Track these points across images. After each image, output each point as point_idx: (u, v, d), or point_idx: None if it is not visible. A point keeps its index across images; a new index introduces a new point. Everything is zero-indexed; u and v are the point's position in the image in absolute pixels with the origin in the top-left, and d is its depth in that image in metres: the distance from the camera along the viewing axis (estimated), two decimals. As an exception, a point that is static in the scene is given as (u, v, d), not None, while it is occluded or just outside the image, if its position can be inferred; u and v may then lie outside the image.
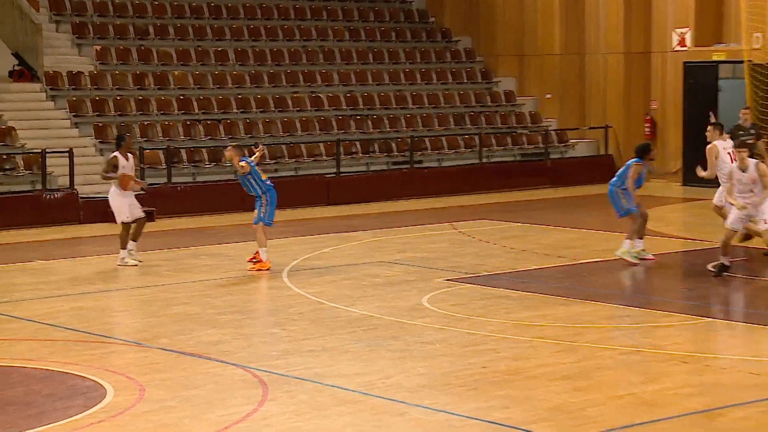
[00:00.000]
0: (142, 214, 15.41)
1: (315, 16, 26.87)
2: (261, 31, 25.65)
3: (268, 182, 15.03)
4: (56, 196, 19.54)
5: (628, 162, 15.02)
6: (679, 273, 14.90)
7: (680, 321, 11.61)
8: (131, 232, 15.22)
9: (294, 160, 22.81)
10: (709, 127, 15.53)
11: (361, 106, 24.96)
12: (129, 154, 15.35)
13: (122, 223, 15.18)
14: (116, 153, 15.26)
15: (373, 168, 23.78)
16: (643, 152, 14.85)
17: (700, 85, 24.56)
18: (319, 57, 25.70)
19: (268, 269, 14.66)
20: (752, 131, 18.43)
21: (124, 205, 15.22)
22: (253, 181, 14.83)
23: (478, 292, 13.21)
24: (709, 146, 15.22)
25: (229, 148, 15.13)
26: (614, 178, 15.08)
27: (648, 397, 8.96)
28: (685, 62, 24.78)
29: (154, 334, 11.27)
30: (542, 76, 27.32)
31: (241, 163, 14.70)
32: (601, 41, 26.26)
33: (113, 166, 15.18)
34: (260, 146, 15.94)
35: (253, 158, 15.15)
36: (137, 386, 9.25)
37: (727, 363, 9.94)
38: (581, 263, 15.14)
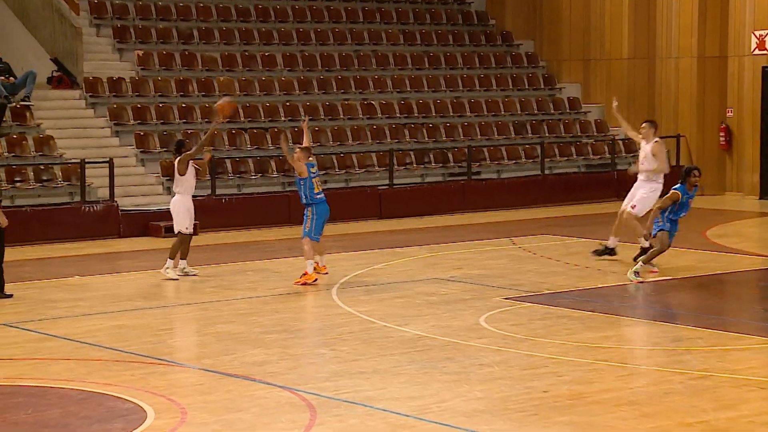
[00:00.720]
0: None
1: (368, 18, 27.04)
2: (311, 35, 25.87)
3: (320, 195, 15.17)
4: (95, 208, 19.84)
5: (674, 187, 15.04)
6: (755, 292, 14.76)
7: (756, 343, 11.51)
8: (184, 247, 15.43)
9: (344, 170, 22.94)
10: None
11: (416, 114, 25.05)
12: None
13: (180, 233, 15.41)
14: (179, 156, 15.54)
15: (428, 179, 23.84)
16: (685, 175, 14.84)
17: (780, 91, 24.33)
18: (372, 62, 25.84)
19: (314, 281, 14.82)
20: None
21: (187, 215, 15.48)
22: (304, 188, 15.05)
23: (539, 312, 13.19)
24: None
25: (298, 149, 15.32)
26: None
27: (721, 425, 8.90)
28: (764, 67, 24.56)
29: (196, 354, 11.40)
30: (609, 82, 27.22)
31: (303, 166, 15.10)
32: (673, 45, 26.12)
33: (187, 160, 15.46)
34: (304, 120, 16.19)
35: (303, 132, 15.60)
36: (179, 408, 9.37)
37: (805, 390, 9.84)
38: (648, 281, 15.06)
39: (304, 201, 15.26)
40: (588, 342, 11.75)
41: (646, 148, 16.23)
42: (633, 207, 16.15)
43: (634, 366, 10.67)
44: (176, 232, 15.55)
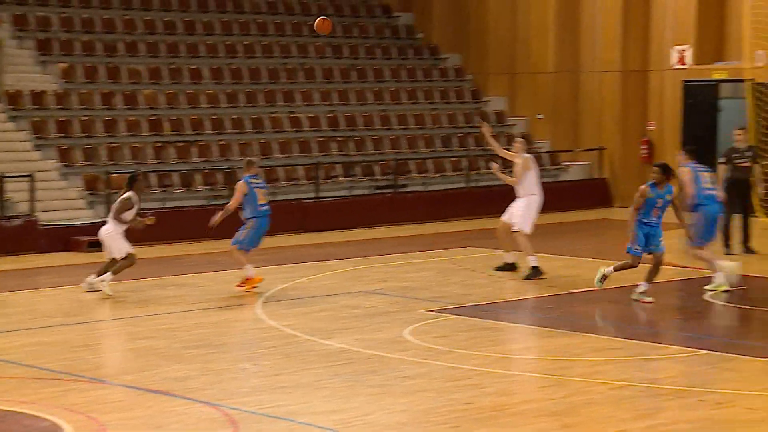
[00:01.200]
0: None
1: (295, 31, 27.00)
2: (238, 48, 25.76)
3: (263, 207, 15.37)
4: (15, 223, 19.52)
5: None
6: (674, 302, 14.95)
7: (673, 353, 11.66)
8: (119, 265, 15.18)
9: (271, 184, 22.81)
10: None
11: (343, 127, 25.05)
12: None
13: (129, 254, 15.15)
14: (130, 193, 15.18)
15: (354, 192, 23.84)
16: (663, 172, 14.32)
17: (700, 104, 24.73)
18: (299, 75, 25.80)
19: (259, 282, 15.14)
20: (748, 153, 18.55)
21: (123, 239, 15.19)
22: (249, 198, 15.28)
23: (463, 324, 13.24)
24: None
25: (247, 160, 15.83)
26: None
27: (639, 434, 9.00)
28: (684, 81, 24.97)
29: (117, 370, 11.26)
30: (534, 95, 27.48)
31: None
32: (597, 59, 26.45)
33: (127, 208, 15.15)
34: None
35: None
36: (98, 426, 9.24)
37: (722, 397, 9.98)
38: (571, 293, 15.19)
39: (247, 215, 15.18)
40: (511, 353, 11.82)
41: (519, 164, 16.50)
42: (516, 227, 16.23)
43: (556, 377, 10.74)
44: (119, 258, 15.18)
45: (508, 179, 16.71)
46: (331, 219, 22.45)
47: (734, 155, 18.51)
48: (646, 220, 14.10)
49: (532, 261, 16.16)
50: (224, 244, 17.29)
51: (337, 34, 27.46)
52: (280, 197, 22.88)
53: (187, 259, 18.81)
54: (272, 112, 24.52)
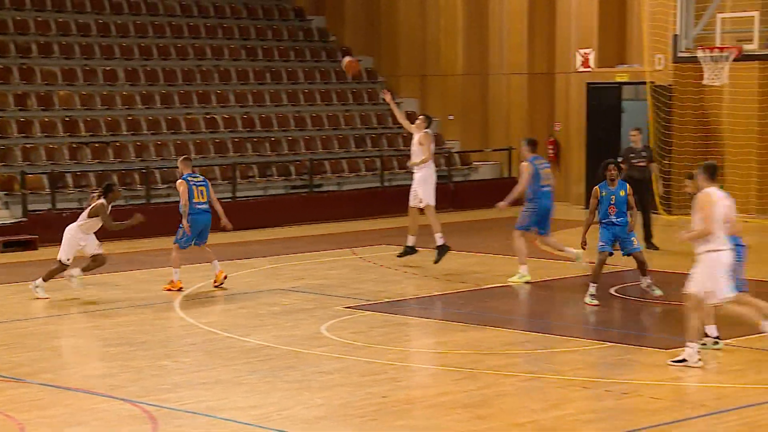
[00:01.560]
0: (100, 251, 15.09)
1: (210, 34, 26.83)
2: (152, 50, 25.52)
3: (201, 205, 15.43)
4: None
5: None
6: (580, 297, 15.18)
7: (580, 346, 11.89)
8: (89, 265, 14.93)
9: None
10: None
11: (258, 128, 24.99)
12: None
13: (60, 261, 14.79)
14: (103, 201, 14.86)
15: (270, 192, 23.79)
16: (602, 170, 14.23)
17: (604, 106, 25.16)
18: (215, 77, 25.65)
19: (179, 289, 14.89)
20: (644, 153, 18.93)
21: (75, 247, 14.87)
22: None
23: (379, 320, 13.33)
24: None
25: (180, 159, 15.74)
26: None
27: (549, 423, 9.17)
28: (588, 83, 25.38)
29: (36, 368, 11.12)
30: (445, 96, 27.69)
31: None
32: (505, 61, 26.75)
33: (96, 215, 14.83)
34: None
35: None
36: (17, 425, 9.13)
37: (627, 388, 10.21)
38: (483, 288, 15.38)
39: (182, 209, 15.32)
40: (425, 348, 11.94)
41: (415, 138, 16.80)
42: (422, 203, 16.70)
43: (469, 370, 10.89)
44: (58, 259, 14.88)
45: (397, 111, 17.77)
46: (248, 218, 22.34)
47: (631, 155, 18.89)
48: (605, 220, 14.09)
49: (438, 239, 16.46)
50: (142, 244, 17.18)
51: (251, 36, 27.36)
52: (196, 197, 22.74)
53: (107, 259, 18.55)
54: (188, 114, 24.35)
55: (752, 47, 17.99)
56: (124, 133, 23.20)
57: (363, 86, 27.69)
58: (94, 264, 15.02)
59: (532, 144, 15.80)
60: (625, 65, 25.24)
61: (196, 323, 13.21)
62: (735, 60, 18.16)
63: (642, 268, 14.23)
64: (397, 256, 16.93)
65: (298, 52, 27.65)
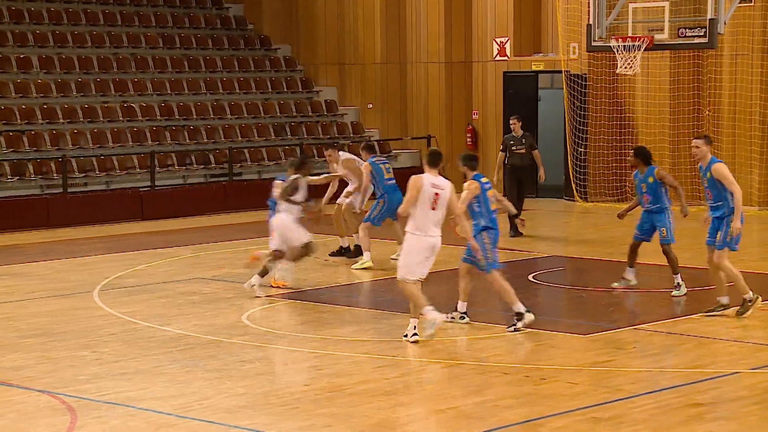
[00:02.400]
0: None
1: (126, 22, 26.39)
2: (68, 38, 25.02)
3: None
4: None
5: None
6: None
7: (500, 332, 11.94)
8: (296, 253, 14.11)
9: (105, 173, 22.33)
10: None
11: (177, 117, 24.67)
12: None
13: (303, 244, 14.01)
14: (298, 175, 14.17)
15: (190, 181, 23.52)
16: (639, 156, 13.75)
17: (520, 94, 25.35)
18: (131, 65, 25.26)
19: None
20: (523, 141, 19.11)
21: (299, 226, 14.06)
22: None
23: (300, 308, 13.26)
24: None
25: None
26: None
27: (469, 410, 9.18)
28: (504, 72, 25.53)
29: (-49, 361, 10.83)
30: (363, 85, 27.64)
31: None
32: (422, 50, 26.78)
33: (294, 188, 14.03)
34: None
35: None
36: (-68, 418, 8.88)
37: (545, 373, 10.28)
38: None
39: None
40: (347, 336, 11.89)
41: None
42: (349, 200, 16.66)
43: (391, 357, 10.87)
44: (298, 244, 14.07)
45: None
46: (167, 207, 22.12)
47: (511, 143, 19.07)
48: (644, 208, 13.67)
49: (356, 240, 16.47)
50: (60, 233, 16.85)
51: (168, 24, 26.98)
52: (114, 186, 22.42)
53: (22, 249, 18.21)
54: (105, 102, 23.94)
55: (663, 37, 18.21)
56: (40, 121, 22.73)
57: (282, 75, 27.51)
58: (305, 252, 14.22)
59: (369, 148, 16.39)
60: (541, 54, 25.45)
61: (115, 313, 12.99)
62: (647, 49, 18.37)
63: (672, 263, 13.68)
64: (330, 255, 16.67)
65: (216, 40, 27.35)
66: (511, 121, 19.38)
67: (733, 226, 12.02)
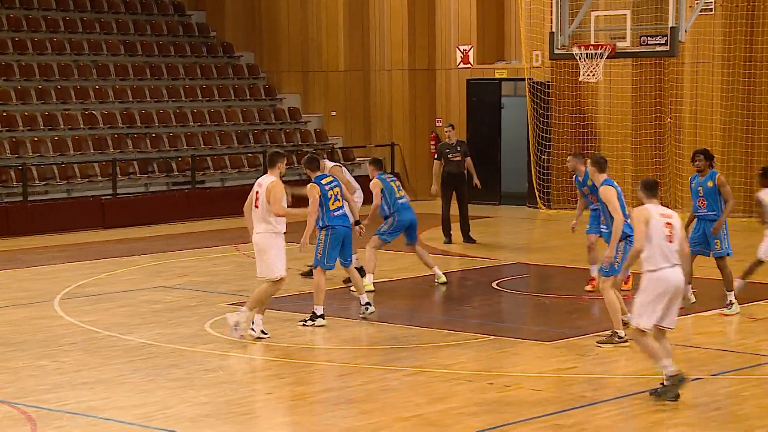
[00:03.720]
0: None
1: (87, 28, 26.26)
2: (28, 45, 24.86)
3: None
4: None
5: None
6: (463, 291, 15.34)
7: (464, 339, 11.98)
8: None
9: (66, 181, 22.20)
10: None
11: (139, 124, 24.57)
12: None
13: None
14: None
15: (152, 189, 23.42)
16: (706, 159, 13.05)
17: (484, 102, 25.47)
18: (93, 72, 25.13)
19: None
20: (458, 148, 19.22)
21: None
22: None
23: (263, 316, 13.19)
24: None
25: None
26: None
27: (433, 417, 9.21)
28: (468, 79, 25.64)
29: None
30: (327, 93, 27.65)
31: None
32: (386, 58, 26.84)
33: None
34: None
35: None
36: None
37: (510, 380, 10.33)
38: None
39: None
40: (310, 344, 11.89)
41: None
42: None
43: (354, 365, 10.88)
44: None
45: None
46: (130, 215, 22.02)
47: (446, 150, 19.17)
48: (696, 214, 13.04)
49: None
50: (20, 242, 16.72)
51: (130, 31, 26.87)
52: (75, 194, 22.29)
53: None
54: (66, 110, 23.80)
55: (625, 45, 18.36)
56: (0, 129, 22.56)
57: (245, 82, 27.47)
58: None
59: (376, 164, 15.08)
60: (504, 62, 25.59)
61: (76, 322, 12.92)
62: (609, 57, 18.51)
63: (726, 277, 13.16)
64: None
65: (178, 47, 27.28)
66: (445, 129, 19.53)
67: (606, 255, 11.58)
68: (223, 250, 18.75)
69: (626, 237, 11.46)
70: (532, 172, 24.03)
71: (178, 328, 12.60)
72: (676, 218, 9.69)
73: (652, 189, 9.78)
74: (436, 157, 19.35)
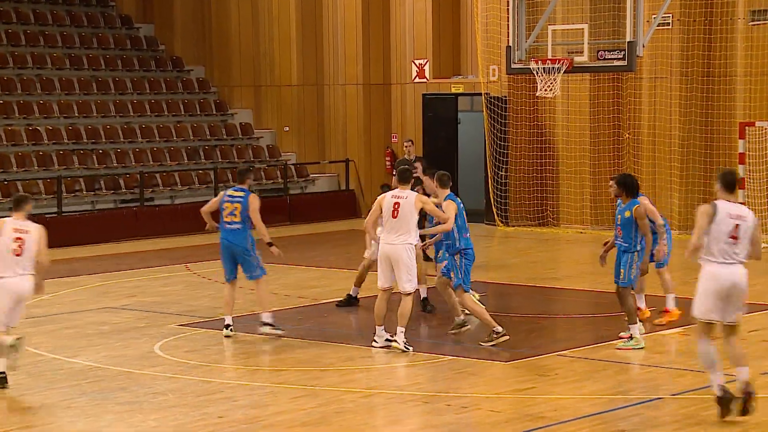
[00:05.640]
0: None
1: (31, 42, 26.08)
2: (-31, 58, 24.68)
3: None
4: None
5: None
6: (420, 311, 15.35)
7: (421, 360, 12.00)
8: None
9: (8, 199, 21.97)
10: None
11: (85, 140, 24.41)
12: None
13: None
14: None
15: (99, 207, 23.26)
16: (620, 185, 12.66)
17: (440, 117, 25.58)
18: (37, 86, 24.95)
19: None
20: (416, 164, 19.22)
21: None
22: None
23: (214, 337, 13.17)
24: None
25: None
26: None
27: (390, 439, 9.22)
28: (424, 94, 25.75)
29: None
30: (280, 108, 27.65)
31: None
32: (340, 72, 26.89)
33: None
34: None
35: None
36: None
37: (467, 401, 10.36)
38: (322, 303, 15.38)
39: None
40: (263, 365, 11.86)
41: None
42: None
43: (308, 387, 10.86)
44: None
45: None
46: (75, 234, 21.81)
47: (404, 166, 19.12)
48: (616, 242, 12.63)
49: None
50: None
51: (75, 44, 26.73)
52: (19, 212, 22.06)
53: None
54: (8, 125, 23.61)
55: (582, 59, 18.54)
56: (-60, 145, 22.35)
57: (195, 97, 27.40)
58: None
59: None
60: (461, 76, 25.72)
61: (20, 345, 12.76)
62: (567, 72, 18.68)
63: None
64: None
65: (126, 61, 27.16)
66: (404, 144, 19.56)
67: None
68: (172, 269, 18.65)
69: (461, 251, 12.44)
70: (490, 188, 24.14)
71: (126, 350, 12.51)
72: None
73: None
74: (394, 173, 19.34)
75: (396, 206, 12.35)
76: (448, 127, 25.43)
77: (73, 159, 23.72)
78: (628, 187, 12.54)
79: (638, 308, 13.23)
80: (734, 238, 9.52)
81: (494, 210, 24.16)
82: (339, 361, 12.02)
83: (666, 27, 21.92)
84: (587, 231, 22.83)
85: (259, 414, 10.00)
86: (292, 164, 26.72)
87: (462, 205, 12.80)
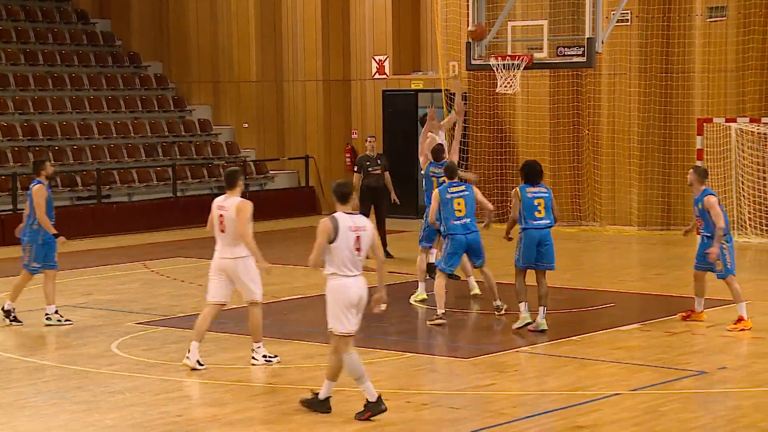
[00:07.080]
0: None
1: (-15, 37, 25.86)
2: None
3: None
4: None
5: None
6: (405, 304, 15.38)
7: (381, 357, 12.02)
8: None
9: (-32, 195, 21.79)
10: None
11: (41, 137, 24.22)
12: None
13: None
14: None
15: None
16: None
17: (400, 113, 25.60)
18: (-9, 82, 24.73)
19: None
20: (379, 161, 19.30)
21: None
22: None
23: (173, 335, 13.13)
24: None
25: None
26: None
27: (350, 437, 9.22)
28: (384, 90, 25.76)
29: None
30: (239, 104, 27.57)
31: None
32: (299, 68, 26.84)
33: None
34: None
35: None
36: None
37: (427, 398, 10.39)
38: (282, 301, 15.36)
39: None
40: (222, 363, 11.82)
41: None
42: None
43: (268, 385, 10.85)
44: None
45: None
46: (30, 232, 21.61)
47: (366, 163, 19.21)
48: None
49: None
50: None
51: (30, 40, 26.50)
52: (-27, 210, 21.90)
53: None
54: (-37, 121, 23.40)
55: (542, 56, 18.59)
56: None
57: (153, 93, 27.25)
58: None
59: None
60: (421, 72, 25.76)
61: (-26, 345, 12.68)
62: (526, 68, 18.73)
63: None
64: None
65: (82, 56, 26.96)
66: (367, 141, 19.54)
67: None
68: (130, 267, 18.55)
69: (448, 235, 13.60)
70: (450, 185, 24.15)
71: (82, 348, 12.44)
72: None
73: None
74: (355, 170, 19.35)
75: (221, 218, 11.85)
76: (407, 123, 25.44)
77: (28, 156, 23.52)
78: (528, 172, 13.62)
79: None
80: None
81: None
82: (298, 358, 12.01)
83: (625, 23, 22.07)
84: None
85: (218, 412, 9.98)
86: (252, 161, 26.66)
87: (450, 195, 13.71)
